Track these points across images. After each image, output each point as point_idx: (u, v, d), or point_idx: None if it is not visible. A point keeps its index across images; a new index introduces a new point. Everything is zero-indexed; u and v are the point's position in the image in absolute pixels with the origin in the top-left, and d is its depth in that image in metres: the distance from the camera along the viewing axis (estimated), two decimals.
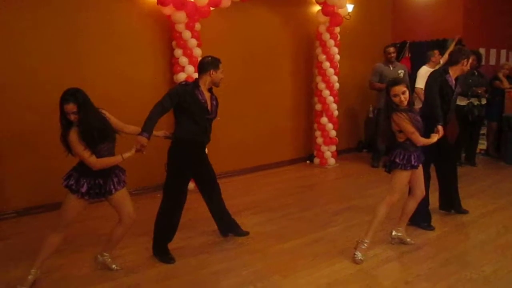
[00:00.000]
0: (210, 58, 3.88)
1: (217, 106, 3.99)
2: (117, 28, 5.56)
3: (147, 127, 3.58)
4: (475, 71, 6.93)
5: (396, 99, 3.67)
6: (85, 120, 3.16)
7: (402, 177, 3.80)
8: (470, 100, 6.90)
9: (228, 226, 4.37)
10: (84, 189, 3.28)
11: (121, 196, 3.46)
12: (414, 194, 4.01)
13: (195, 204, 4.67)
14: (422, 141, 3.73)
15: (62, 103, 3.15)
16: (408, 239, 4.13)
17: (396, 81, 3.76)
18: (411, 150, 3.74)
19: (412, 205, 4.04)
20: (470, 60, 4.53)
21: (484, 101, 7.01)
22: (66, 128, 3.21)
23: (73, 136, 3.18)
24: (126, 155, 3.36)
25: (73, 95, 3.14)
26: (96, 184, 3.31)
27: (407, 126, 3.65)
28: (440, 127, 4.11)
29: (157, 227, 3.92)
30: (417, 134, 3.68)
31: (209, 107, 3.87)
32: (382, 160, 7.00)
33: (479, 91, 6.90)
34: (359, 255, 3.76)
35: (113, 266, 3.68)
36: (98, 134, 3.22)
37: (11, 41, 4.88)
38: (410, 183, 3.93)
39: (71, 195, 3.33)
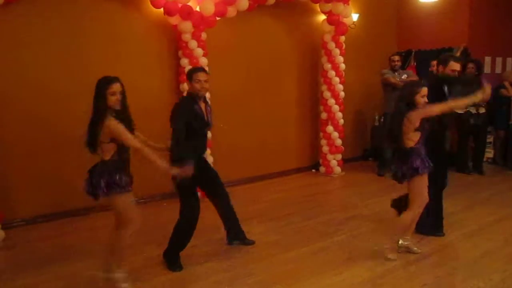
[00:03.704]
0: (189, 69, 3.93)
1: (211, 113, 4.02)
2: (124, 37, 5.61)
3: (186, 155, 3.59)
4: None
5: (422, 100, 3.76)
6: (126, 105, 3.30)
7: (421, 181, 3.85)
8: (468, 109, 6.93)
9: (236, 234, 4.37)
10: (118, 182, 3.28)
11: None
12: None
13: (201, 213, 4.67)
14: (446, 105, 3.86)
15: (108, 83, 3.23)
16: (414, 248, 4.11)
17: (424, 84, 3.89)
18: (422, 153, 3.81)
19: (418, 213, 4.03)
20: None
21: (482, 110, 6.99)
22: (103, 114, 3.21)
23: (112, 119, 3.21)
24: (164, 165, 3.36)
25: (116, 77, 3.29)
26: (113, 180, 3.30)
27: (432, 108, 3.74)
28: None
29: (177, 234, 3.91)
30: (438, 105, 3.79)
31: (205, 118, 3.92)
32: (389, 168, 6.99)
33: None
34: (392, 256, 3.91)
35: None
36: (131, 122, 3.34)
37: (20, 51, 4.96)
38: None
39: (115, 195, 3.30)
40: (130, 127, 3.32)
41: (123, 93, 3.30)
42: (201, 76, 3.84)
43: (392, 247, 4.00)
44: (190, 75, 3.87)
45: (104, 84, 3.25)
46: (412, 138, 3.79)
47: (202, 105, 3.91)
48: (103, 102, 3.23)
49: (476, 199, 5.74)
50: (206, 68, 5.80)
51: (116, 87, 3.25)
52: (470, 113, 6.96)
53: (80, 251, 4.30)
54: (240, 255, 4.16)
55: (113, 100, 3.23)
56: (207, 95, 5.78)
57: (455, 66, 4.30)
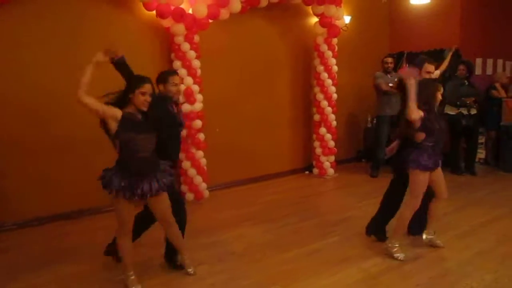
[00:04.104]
0: (160, 73, 3.87)
1: (182, 114, 4.00)
2: (117, 40, 5.59)
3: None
4: (465, 81, 7.01)
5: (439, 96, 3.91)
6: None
7: (416, 178, 3.88)
8: (460, 110, 6.99)
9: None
10: (115, 187, 3.21)
11: (160, 202, 3.47)
12: (436, 196, 4.14)
13: (193, 216, 4.66)
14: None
15: (141, 82, 3.25)
16: (438, 241, 4.24)
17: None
18: (428, 152, 3.86)
19: (436, 207, 4.21)
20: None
21: (474, 111, 7.05)
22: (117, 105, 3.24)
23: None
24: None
25: (149, 78, 3.32)
26: (128, 185, 3.24)
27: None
28: None
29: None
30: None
31: (178, 118, 3.89)
32: (382, 169, 7.03)
33: (468, 101, 6.98)
34: (400, 256, 3.97)
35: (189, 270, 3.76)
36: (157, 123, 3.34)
37: (16, 51, 4.95)
38: (431, 185, 4.02)
39: (113, 198, 3.29)
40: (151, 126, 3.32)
41: (152, 95, 3.30)
42: (176, 79, 3.83)
43: (399, 246, 4.05)
44: (166, 78, 3.78)
45: (136, 82, 3.27)
46: (419, 137, 3.86)
47: (174, 107, 3.86)
48: (124, 97, 3.26)
49: (468, 199, 5.78)
50: (199, 71, 5.83)
51: (148, 87, 3.26)
52: (462, 114, 7.02)
53: (75, 254, 4.28)
54: (235, 257, 4.16)
55: (142, 100, 3.24)
56: (200, 97, 5.82)
57: (430, 68, 4.36)
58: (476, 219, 5.02)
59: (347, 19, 7.45)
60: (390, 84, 6.91)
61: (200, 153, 5.93)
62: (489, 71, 8.51)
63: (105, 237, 4.34)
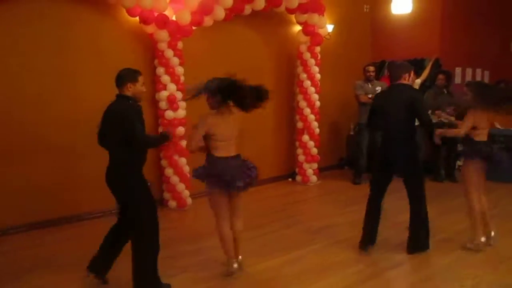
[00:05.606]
0: (126, 70, 3.58)
1: None
2: (99, 45, 5.55)
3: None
4: (444, 90, 7.13)
5: None
6: None
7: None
8: (440, 118, 7.10)
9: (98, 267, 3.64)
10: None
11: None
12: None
13: (176, 223, 4.64)
14: None
15: None
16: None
17: None
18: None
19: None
20: (412, 75, 4.55)
21: (453, 119, 7.17)
22: None
23: None
24: None
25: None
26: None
27: None
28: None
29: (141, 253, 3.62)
30: None
31: None
32: (364, 176, 7.09)
33: (447, 110, 7.09)
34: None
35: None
36: None
37: (1, 60, 4.90)
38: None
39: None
40: None
41: None
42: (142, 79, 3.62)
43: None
44: (136, 78, 3.53)
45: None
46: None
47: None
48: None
49: (449, 206, 5.85)
50: (182, 78, 5.81)
51: None
52: (442, 122, 7.12)
53: (55, 263, 4.20)
54: (219, 265, 4.11)
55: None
56: (183, 104, 5.79)
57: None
58: (456, 225, 5.07)
59: (330, 27, 7.52)
60: (369, 96, 6.97)
61: (183, 160, 5.89)
62: (468, 80, 8.66)
63: (85, 245, 4.28)
